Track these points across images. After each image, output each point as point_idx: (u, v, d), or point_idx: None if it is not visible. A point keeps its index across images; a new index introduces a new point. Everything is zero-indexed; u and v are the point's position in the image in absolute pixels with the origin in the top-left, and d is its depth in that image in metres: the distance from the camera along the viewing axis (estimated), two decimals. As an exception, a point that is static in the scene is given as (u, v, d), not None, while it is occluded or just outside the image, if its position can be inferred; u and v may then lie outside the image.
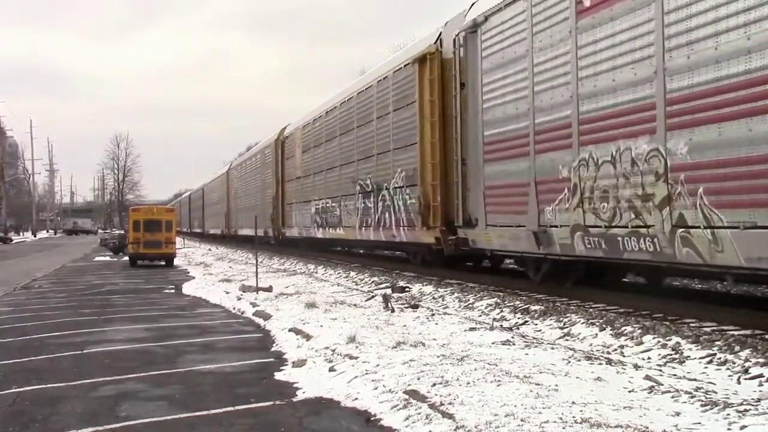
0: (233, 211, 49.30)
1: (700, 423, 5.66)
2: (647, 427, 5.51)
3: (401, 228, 18.91)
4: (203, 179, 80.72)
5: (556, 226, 12.08)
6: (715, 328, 9.41)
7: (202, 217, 70.20)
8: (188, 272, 26.40)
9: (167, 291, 19.86)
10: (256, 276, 17.87)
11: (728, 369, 7.59)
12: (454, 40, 15.56)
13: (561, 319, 10.92)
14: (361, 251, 30.43)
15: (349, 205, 23.36)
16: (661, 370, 7.61)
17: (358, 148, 22.36)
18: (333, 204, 25.26)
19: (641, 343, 9.00)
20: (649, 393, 6.57)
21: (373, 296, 15.02)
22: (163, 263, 30.78)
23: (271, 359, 9.45)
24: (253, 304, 14.55)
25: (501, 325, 10.95)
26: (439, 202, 16.45)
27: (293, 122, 33.65)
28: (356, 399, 7.04)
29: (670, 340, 8.81)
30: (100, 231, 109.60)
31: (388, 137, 19.72)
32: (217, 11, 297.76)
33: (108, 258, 38.36)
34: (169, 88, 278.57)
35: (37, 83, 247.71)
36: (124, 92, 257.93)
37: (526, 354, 8.43)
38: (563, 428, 5.52)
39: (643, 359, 8.33)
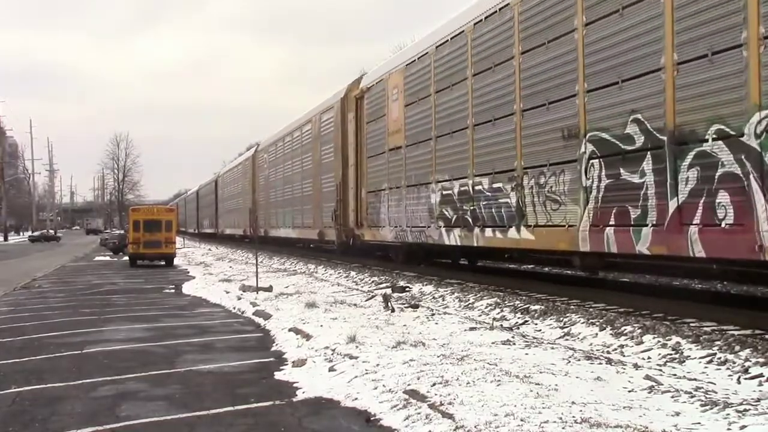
0: (263, 207, 37.62)
1: (700, 423, 5.65)
2: (647, 427, 5.50)
3: None
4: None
5: None
6: (715, 327, 9.41)
7: (215, 214, 59.09)
8: (188, 272, 26.41)
9: (167, 291, 19.86)
10: (256, 276, 17.87)
11: (728, 369, 7.58)
12: None
13: (561, 318, 10.92)
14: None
15: (552, 182, 12.54)
16: (661, 370, 7.61)
17: (592, 65, 11.30)
18: (493, 185, 14.37)
19: (641, 342, 9.00)
20: (649, 393, 6.57)
21: (373, 296, 15.01)
22: (163, 263, 30.79)
23: (271, 359, 9.45)
24: (253, 304, 14.55)
25: (501, 325, 10.94)
26: None
27: (375, 69, 22.57)
28: (356, 399, 7.04)
29: (670, 339, 8.81)
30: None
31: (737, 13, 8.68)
32: (217, 13, 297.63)
33: (108, 258, 38.38)
34: (170, 88, 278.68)
35: (37, 83, 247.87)
36: (124, 92, 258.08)
37: (526, 354, 8.42)
38: (563, 428, 5.52)
39: (643, 359, 8.33)
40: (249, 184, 42.90)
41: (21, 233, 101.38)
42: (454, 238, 16.04)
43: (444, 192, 16.43)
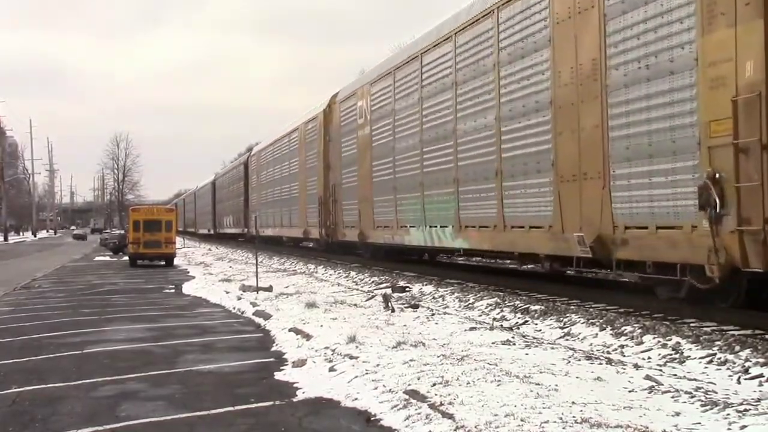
0: (353, 192, 23.08)
1: (700, 423, 5.65)
2: (647, 427, 5.50)
3: None
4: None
5: None
6: (715, 328, 9.41)
7: (245, 209, 42.97)
8: (188, 272, 26.40)
9: (167, 291, 19.86)
10: (257, 276, 17.87)
11: (728, 369, 7.59)
12: None
13: (561, 318, 10.92)
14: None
15: None
16: (661, 370, 7.61)
17: None
18: None
19: (641, 342, 9.00)
20: (649, 393, 6.57)
21: (373, 296, 15.02)
22: (163, 263, 30.81)
23: (271, 359, 9.45)
24: (253, 304, 14.55)
25: (501, 325, 10.94)
26: None
27: None
28: (356, 399, 7.04)
29: (670, 339, 8.81)
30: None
31: None
32: (217, 13, 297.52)
33: (108, 258, 38.37)
34: (170, 89, 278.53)
35: (37, 83, 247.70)
36: (124, 92, 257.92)
37: (526, 354, 8.43)
38: (563, 428, 5.52)
39: (643, 359, 8.33)
40: (318, 158, 26.77)
41: (21, 233, 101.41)
42: None
43: None
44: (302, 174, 29.81)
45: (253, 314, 13.58)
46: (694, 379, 7.19)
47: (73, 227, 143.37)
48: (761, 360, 7.59)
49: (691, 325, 9.67)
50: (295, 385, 7.89)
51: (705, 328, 9.37)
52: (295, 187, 31.14)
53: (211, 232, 58.58)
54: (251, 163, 42.36)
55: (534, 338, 9.77)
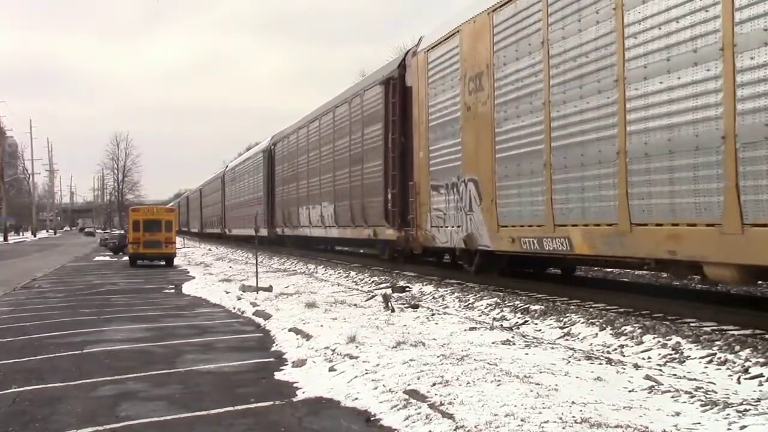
0: None
1: (700, 423, 5.65)
2: (647, 427, 5.51)
3: None
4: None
5: None
6: (715, 328, 9.41)
7: (384, 184, 19.37)
8: (188, 272, 26.41)
9: (167, 291, 19.87)
10: (256, 276, 17.87)
11: (728, 369, 7.58)
12: None
13: (561, 318, 10.92)
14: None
15: None
16: (661, 370, 7.61)
17: None
18: None
19: (641, 342, 9.00)
20: (649, 393, 6.57)
21: (373, 296, 15.01)
22: (162, 263, 30.83)
23: (271, 359, 9.45)
24: (253, 304, 14.55)
25: (501, 325, 10.94)
26: None
27: None
28: (356, 399, 7.05)
29: (670, 339, 8.81)
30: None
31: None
32: (218, 16, 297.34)
33: (108, 258, 38.41)
34: (170, 89, 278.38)
35: (37, 83, 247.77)
36: (124, 92, 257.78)
37: (526, 354, 8.43)
38: (563, 428, 5.52)
39: (643, 359, 8.33)
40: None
41: (21, 233, 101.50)
42: None
43: None
44: None
45: (253, 314, 13.59)
46: (694, 379, 7.19)
47: (67, 228, 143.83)
48: (761, 360, 7.58)
49: (691, 325, 9.67)
50: (295, 385, 7.90)
51: (705, 328, 9.37)
52: None
53: (264, 233, 32.72)
54: (413, 71, 17.83)
55: (534, 338, 9.77)
